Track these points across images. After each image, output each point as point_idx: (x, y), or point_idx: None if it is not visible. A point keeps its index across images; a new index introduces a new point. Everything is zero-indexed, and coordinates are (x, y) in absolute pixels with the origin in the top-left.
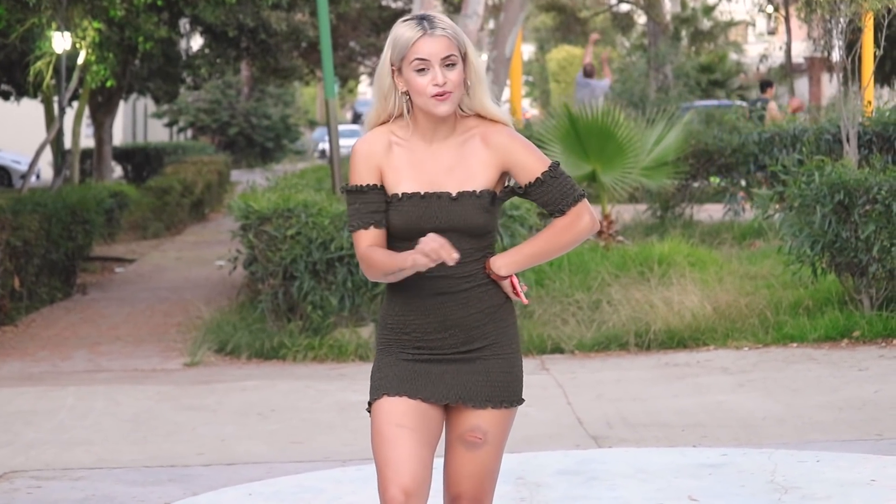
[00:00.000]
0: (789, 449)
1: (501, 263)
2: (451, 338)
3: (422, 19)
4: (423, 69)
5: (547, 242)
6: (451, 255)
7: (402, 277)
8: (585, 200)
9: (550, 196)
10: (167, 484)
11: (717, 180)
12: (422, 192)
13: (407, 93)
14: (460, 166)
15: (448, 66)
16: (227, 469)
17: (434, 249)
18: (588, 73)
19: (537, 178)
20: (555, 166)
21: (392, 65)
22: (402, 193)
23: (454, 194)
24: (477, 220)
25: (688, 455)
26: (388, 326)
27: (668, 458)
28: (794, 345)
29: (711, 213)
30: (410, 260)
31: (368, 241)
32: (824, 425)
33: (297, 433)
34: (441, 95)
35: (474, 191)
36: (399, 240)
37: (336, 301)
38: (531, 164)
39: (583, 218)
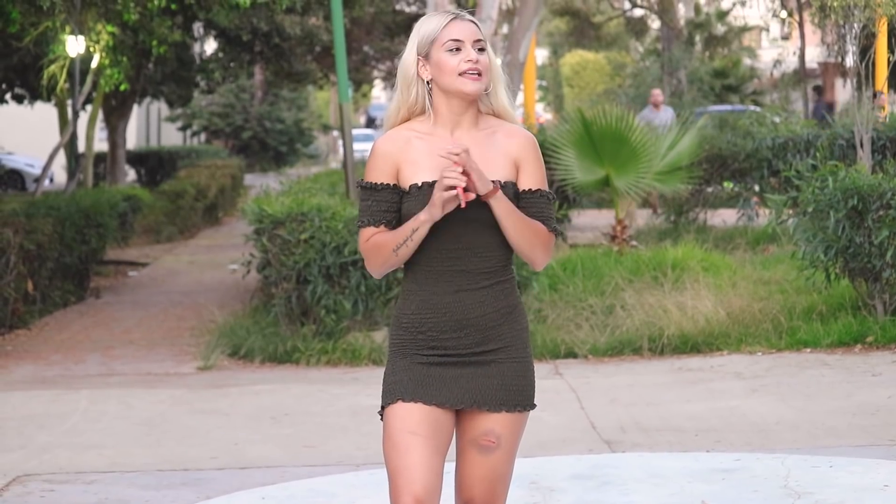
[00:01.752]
0: (802, 454)
1: (503, 197)
2: (466, 338)
3: (448, 13)
4: (456, 49)
5: (525, 222)
6: (462, 193)
7: (415, 243)
8: (554, 238)
9: (538, 210)
10: (180, 488)
11: (731, 185)
12: None
13: (429, 82)
14: (483, 157)
15: (479, 49)
16: (240, 473)
17: (449, 184)
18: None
19: (538, 190)
20: (553, 194)
21: (418, 54)
22: (422, 182)
23: None
24: None
25: (701, 460)
26: (403, 326)
27: (682, 462)
28: (808, 350)
29: (725, 218)
30: (423, 215)
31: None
32: (837, 430)
33: (311, 437)
34: (474, 72)
35: (498, 180)
36: None
37: (349, 305)
38: (537, 176)
39: (550, 244)
